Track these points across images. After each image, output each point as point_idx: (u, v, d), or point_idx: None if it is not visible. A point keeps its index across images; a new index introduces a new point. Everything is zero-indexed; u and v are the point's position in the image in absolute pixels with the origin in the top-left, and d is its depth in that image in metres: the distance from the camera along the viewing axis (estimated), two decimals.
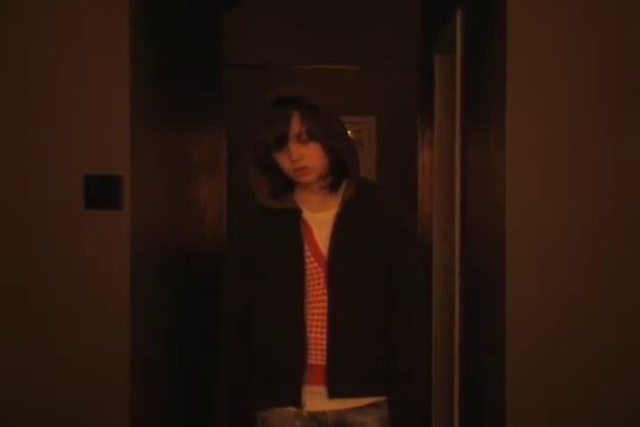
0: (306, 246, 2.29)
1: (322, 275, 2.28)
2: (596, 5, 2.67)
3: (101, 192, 2.89)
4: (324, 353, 2.26)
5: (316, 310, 2.27)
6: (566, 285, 2.67)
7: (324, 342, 2.26)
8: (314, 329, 2.27)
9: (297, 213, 2.31)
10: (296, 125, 2.22)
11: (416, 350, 2.32)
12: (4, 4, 2.88)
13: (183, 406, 3.98)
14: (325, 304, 2.26)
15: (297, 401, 2.27)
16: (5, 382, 2.92)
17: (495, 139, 2.83)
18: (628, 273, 2.67)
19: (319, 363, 2.27)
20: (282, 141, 2.23)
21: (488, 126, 2.97)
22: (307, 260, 2.28)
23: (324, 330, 2.26)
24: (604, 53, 2.66)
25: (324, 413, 2.30)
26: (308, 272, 2.28)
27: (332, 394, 2.27)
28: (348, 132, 2.94)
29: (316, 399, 2.28)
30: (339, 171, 2.29)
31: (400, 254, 2.31)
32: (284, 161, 2.25)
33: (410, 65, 5.34)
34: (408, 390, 2.29)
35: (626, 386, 2.68)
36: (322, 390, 2.27)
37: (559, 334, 2.68)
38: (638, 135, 2.66)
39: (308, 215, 2.32)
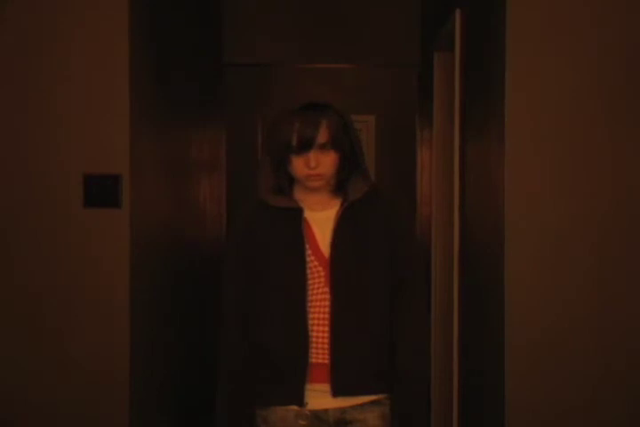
0: (306, 245, 2.29)
1: (322, 273, 2.28)
2: (597, 4, 2.66)
3: (101, 191, 2.89)
4: (326, 351, 2.27)
5: (317, 309, 2.27)
6: (566, 284, 2.67)
7: (326, 340, 2.27)
8: (315, 328, 2.27)
9: (298, 212, 2.31)
10: (323, 134, 2.22)
11: (416, 348, 2.33)
12: (5, 4, 2.88)
13: (183, 406, 3.98)
14: (326, 303, 2.27)
15: (300, 400, 2.28)
16: (5, 382, 2.92)
17: (494, 137, 2.83)
18: (628, 273, 2.67)
19: (321, 361, 2.27)
20: (305, 147, 2.22)
21: (487, 125, 2.97)
22: (307, 258, 2.29)
23: (326, 328, 2.27)
24: (605, 52, 2.66)
25: (325, 411, 2.30)
26: (308, 271, 2.28)
27: (337, 392, 2.27)
28: None
29: (319, 398, 2.29)
30: (344, 173, 2.30)
31: (399, 254, 2.32)
32: (299, 165, 2.25)
33: (409, 63, 5.34)
34: (409, 387, 2.31)
35: (626, 386, 2.68)
36: (324, 388, 2.28)
37: (559, 334, 2.68)
38: (638, 135, 2.66)
39: (308, 214, 2.33)
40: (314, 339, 2.27)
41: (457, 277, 3.53)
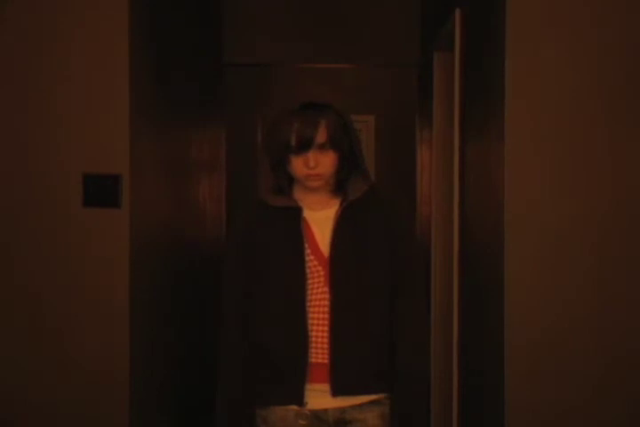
0: (306, 245, 2.29)
1: (322, 273, 2.28)
2: (597, 4, 2.66)
3: (100, 191, 2.89)
4: (326, 351, 2.27)
5: (317, 309, 2.28)
6: (566, 284, 2.67)
7: (326, 340, 2.27)
8: (315, 328, 2.27)
9: (297, 211, 2.31)
10: (322, 134, 2.23)
11: (416, 348, 2.33)
12: (5, 4, 2.88)
13: (183, 406, 3.98)
14: (326, 302, 2.27)
15: (300, 400, 2.28)
16: (5, 382, 2.92)
17: (494, 137, 2.83)
18: (628, 273, 2.67)
19: (320, 361, 2.27)
20: (304, 147, 2.22)
21: (487, 125, 2.97)
22: (307, 258, 2.29)
23: (326, 328, 2.27)
24: (605, 52, 2.66)
25: (325, 410, 2.30)
26: (307, 270, 2.28)
27: (336, 392, 2.27)
28: None
29: (318, 397, 2.29)
30: (344, 173, 2.30)
31: (399, 254, 2.32)
32: (298, 165, 2.25)
33: (409, 63, 5.34)
34: (409, 387, 2.31)
35: (626, 386, 2.67)
36: (324, 387, 2.28)
37: (559, 334, 2.68)
38: (638, 135, 2.66)
39: (307, 214, 2.33)
40: (313, 339, 2.27)
41: (457, 277, 3.53)
